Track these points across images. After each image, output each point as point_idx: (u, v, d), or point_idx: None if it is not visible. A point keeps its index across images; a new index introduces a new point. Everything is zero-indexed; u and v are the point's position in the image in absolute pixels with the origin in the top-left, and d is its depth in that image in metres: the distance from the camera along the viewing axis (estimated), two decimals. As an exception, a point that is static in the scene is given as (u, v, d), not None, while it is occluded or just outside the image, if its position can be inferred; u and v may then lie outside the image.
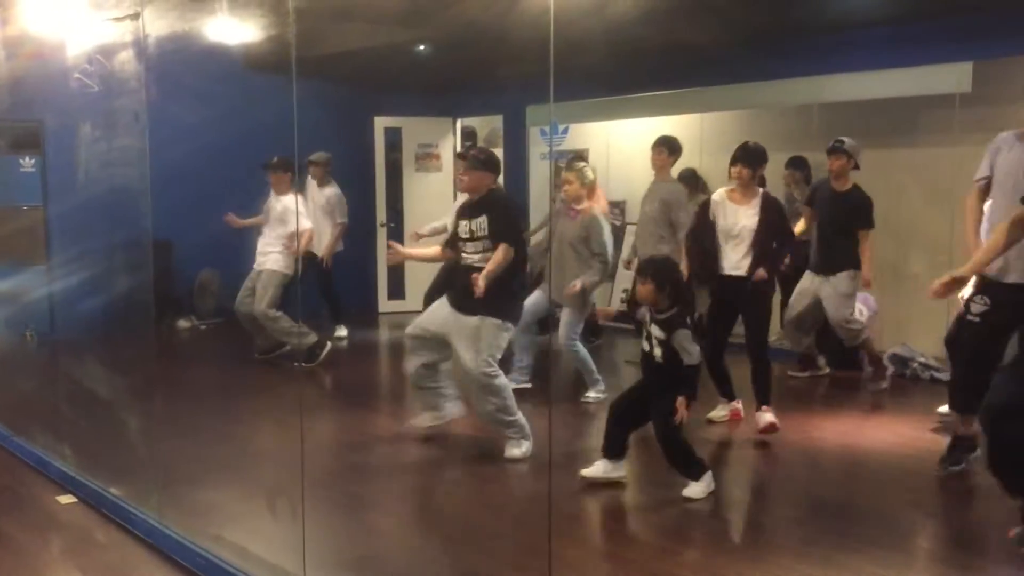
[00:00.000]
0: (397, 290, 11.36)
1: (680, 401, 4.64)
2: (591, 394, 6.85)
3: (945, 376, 7.05)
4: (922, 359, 7.35)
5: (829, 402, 7.05)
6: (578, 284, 6.50)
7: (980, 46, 7.32)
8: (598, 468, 4.93)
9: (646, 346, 4.89)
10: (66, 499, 4.94)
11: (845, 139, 6.82)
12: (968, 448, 5.06)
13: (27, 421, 6.05)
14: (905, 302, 7.51)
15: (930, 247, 6.52)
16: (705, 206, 6.09)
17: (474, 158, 5.60)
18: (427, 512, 4.81)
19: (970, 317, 4.82)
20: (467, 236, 5.49)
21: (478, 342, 5.28)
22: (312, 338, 8.24)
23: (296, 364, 8.20)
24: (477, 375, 5.27)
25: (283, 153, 7.92)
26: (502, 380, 5.37)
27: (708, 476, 4.79)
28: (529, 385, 6.87)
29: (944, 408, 5.97)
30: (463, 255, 5.54)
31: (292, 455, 4.31)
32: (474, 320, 5.31)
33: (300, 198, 8.72)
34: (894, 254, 6.61)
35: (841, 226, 6.84)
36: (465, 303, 5.35)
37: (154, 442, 5.15)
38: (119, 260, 6.24)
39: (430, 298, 8.05)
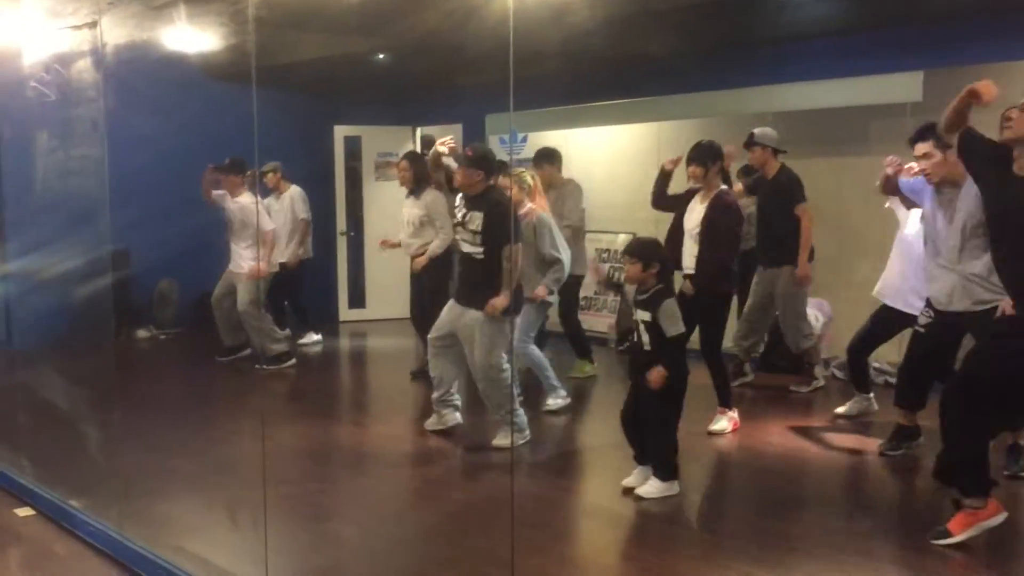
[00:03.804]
0: (358, 299, 11.35)
1: (656, 371, 4.70)
2: (550, 401, 6.65)
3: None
4: (876, 364, 7.47)
5: (779, 408, 6.92)
6: (542, 290, 6.45)
7: (931, 55, 7.44)
8: (636, 477, 4.97)
9: (634, 337, 5.02)
10: (24, 512, 4.91)
11: (755, 131, 6.97)
12: (909, 437, 5.52)
13: (-17, 433, 5.98)
14: (853, 308, 7.60)
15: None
16: (685, 199, 6.18)
17: (463, 155, 5.80)
18: (391, 521, 4.81)
19: (917, 328, 5.29)
20: (461, 221, 5.77)
21: (483, 338, 5.60)
22: (284, 346, 8.35)
23: (257, 366, 8.19)
24: (485, 370, 5.64)
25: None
26: (507, 375, 5.63)
27: (674, 485, 4.85)
28: (568, 400, 6.78)
29: (841, 409, 6.45)
30: (459, 239, 5.86)
31: (254, 464, 4.31)
32: (475, 315, 5.61)
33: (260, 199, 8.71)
34: (846, 262, 6.69)
35: (777, 209, 6.93)
36: (465, 296, 5.78)
37: (115, 453, 5.12)
38: (77, 269, 6.18)
39: (416, 311, 7.83)
